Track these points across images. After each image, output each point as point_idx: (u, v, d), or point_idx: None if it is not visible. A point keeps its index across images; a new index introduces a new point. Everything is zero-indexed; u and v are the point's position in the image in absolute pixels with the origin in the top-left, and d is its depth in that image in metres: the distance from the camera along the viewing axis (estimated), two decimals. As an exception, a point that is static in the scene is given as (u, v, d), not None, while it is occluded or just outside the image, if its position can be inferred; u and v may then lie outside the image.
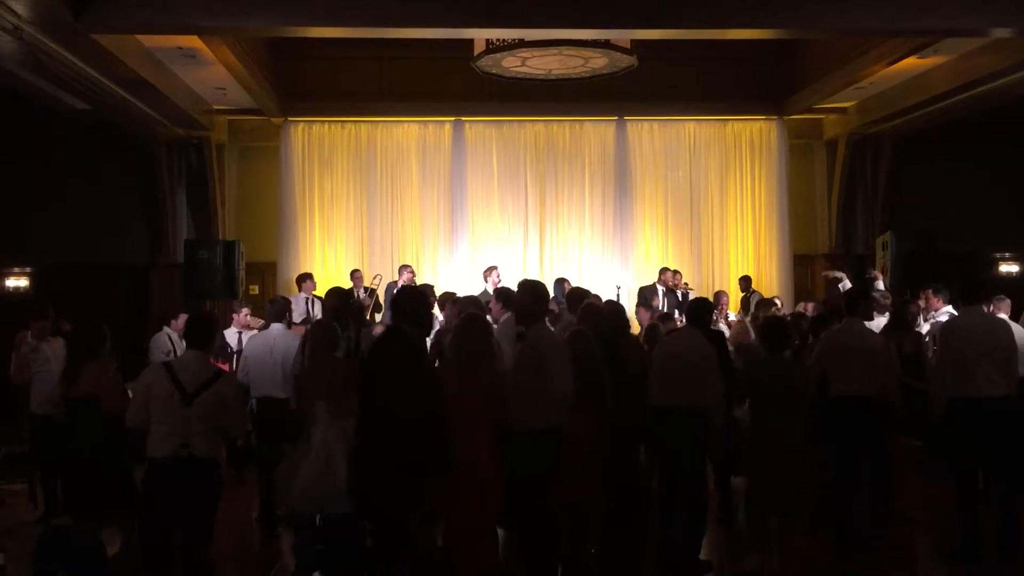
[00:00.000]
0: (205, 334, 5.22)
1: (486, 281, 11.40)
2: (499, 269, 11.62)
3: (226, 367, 8.50)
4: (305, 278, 11.56)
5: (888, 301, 8.99)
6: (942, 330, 6.42)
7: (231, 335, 9.36)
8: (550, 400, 5.24)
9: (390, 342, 4.88)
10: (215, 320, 5.50)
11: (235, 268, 11.16)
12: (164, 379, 4.97)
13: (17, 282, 13.08)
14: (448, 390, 5.00)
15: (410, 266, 11.76)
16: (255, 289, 13.27)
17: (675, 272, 12.51)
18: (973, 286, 6.32)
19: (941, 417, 6.05)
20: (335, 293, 6.82)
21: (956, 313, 8.52)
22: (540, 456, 5.16)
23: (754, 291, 12.47)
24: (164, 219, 13.25)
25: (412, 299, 5.34)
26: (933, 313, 9.00)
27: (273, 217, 13.49)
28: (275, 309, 7.63)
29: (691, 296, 11.49)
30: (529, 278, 6.17)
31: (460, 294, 9.32)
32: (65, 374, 6.37)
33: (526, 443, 5.15)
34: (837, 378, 6.25)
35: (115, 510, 5.54)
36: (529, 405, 5.19)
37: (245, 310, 9.66)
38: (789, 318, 8.51)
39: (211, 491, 5.03)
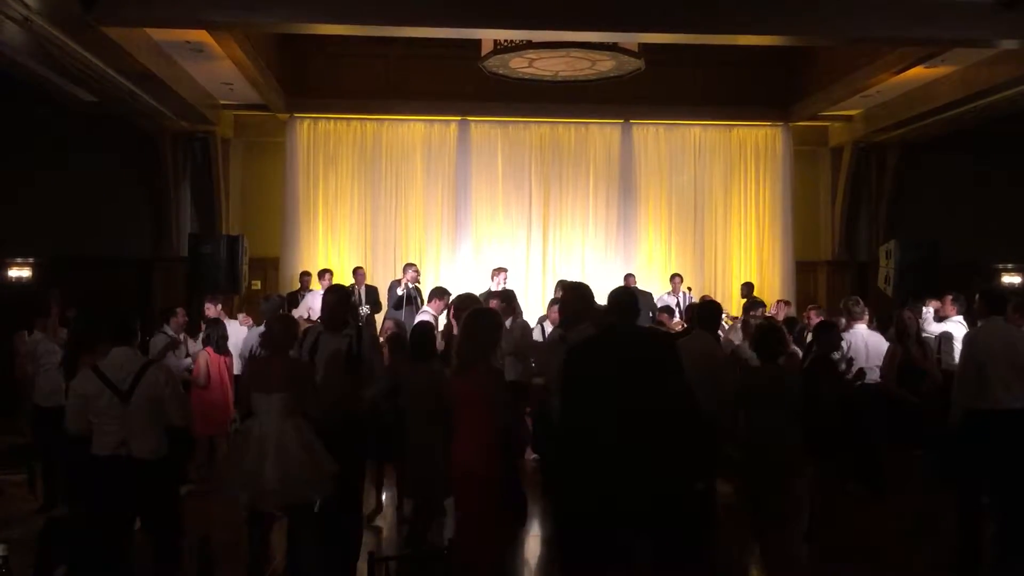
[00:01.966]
0: (127, 329, 5.19)
1: (492, 280, 11.43)
2: (507, 272, 11.63)
3: (227, 360, 8.53)
4: (324, 273, 11.63)
5: (860, 308, 8.99)
6: (965, 340, 6.36)
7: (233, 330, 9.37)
8: None
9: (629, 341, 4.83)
10: (135, 314, 5.45)
11: (238, 263, 11.15)
12: (93, 380, 4.98)
13: (20, 273, 13.10)
14: (452, 388, 5.04)
15: (415, 265, 11.78)
16: (258, 284, 13.26)
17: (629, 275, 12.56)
18: (994, 297, 6.28)
19: (956, 426, 6.00)
20: (333, 291, 6.76)
21: (964, 323, 8.62)
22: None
23: (755, 297, 12.46)
24: (168, 213, 13.25)
25: (629, 299, 5.22)
26: (927, 321, 9.13)
27: (277, 213, 13.51)
28: (271, 306, 7.66)
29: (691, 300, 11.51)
30: (570, 280, 6.09)
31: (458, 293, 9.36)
32: (64, 366, 6.32)
33: None
34: (995, 389, 5.89)
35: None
36: None
37: (209, 304, 9.47)
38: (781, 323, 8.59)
39: (157, 492, 4.97)
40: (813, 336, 7.24)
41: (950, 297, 9.04)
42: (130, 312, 5.54)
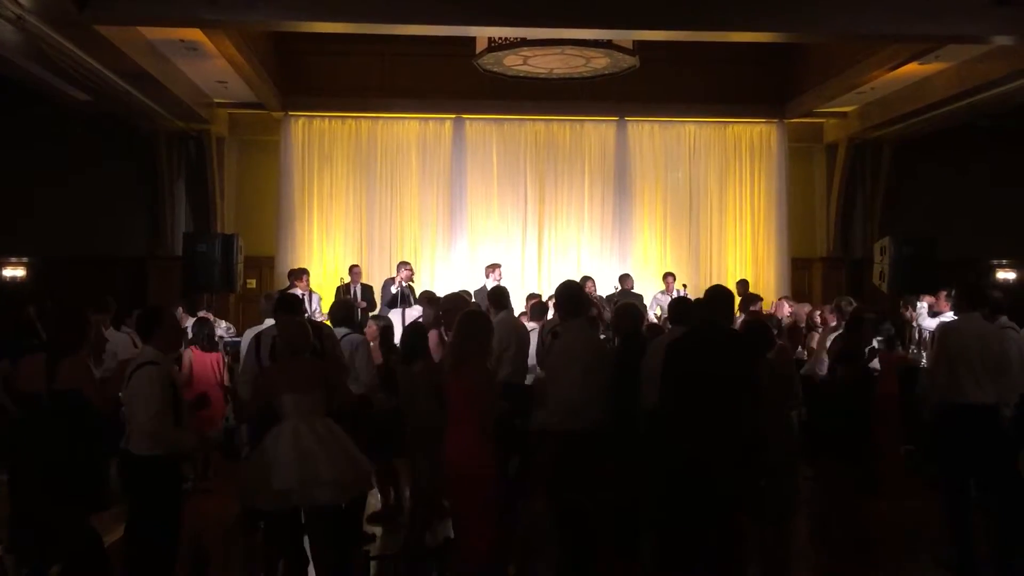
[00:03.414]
0: (145, 324, 5.10)
1: (487, 278, 11.43)
2: (502, 268, 11.64)
3: (216, 357, 8.50)
4: (301, 273, 11.57)
5: (851, 308, 9.04)
6: (939, 333, 6.41)
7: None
8: (582, 400, 5.25)
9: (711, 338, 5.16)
10: (159, 313, 5.29)
11: (233, 262, 11.13)
12: (127, 372, 4.97)
13: (14, 272, 13.09)
14: (445, 385, 5.07)
15: (408, 263, 11.75)
16: (253, 283, 13.27)
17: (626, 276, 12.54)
18: (972, 292, 6.31)
19: (930, 420, 6.04)
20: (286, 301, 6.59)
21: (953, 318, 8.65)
22: (575, 457, 5.17)
23: (752, 293, 12.44)
24: (163, 211, 13.25)
25: (724, 297, 5.43)
26: (921, 316, 9.19)
27: (272, 211, 13.50)
28: (272, 304, 7.61)
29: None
30: (569, 279, 6.14)
31: (456, 291, 9.34)
32: (46, 367, 6.09)
33: (563, 444, 5.20)
34: (965, 383, 5.90)
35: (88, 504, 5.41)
36: (562, 406, 5.23)
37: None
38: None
39: (147, 490, 4.85)
40: (846, 335, 7.23)
41: (944, 293, 9.08)
42: (152, 308, 5.45)
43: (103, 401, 5.44)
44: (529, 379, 7.33)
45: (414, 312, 9.62)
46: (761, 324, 6.46)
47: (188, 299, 10.13)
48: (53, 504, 5.18)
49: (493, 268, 11.53)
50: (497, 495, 5.09)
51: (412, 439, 6.14)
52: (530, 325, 8.28)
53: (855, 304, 9.15)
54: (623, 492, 5.74)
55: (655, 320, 10.90)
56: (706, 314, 5.43)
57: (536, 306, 8.76)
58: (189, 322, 9.01)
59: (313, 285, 11.68)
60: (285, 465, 4.97)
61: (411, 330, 6.74)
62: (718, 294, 5.44)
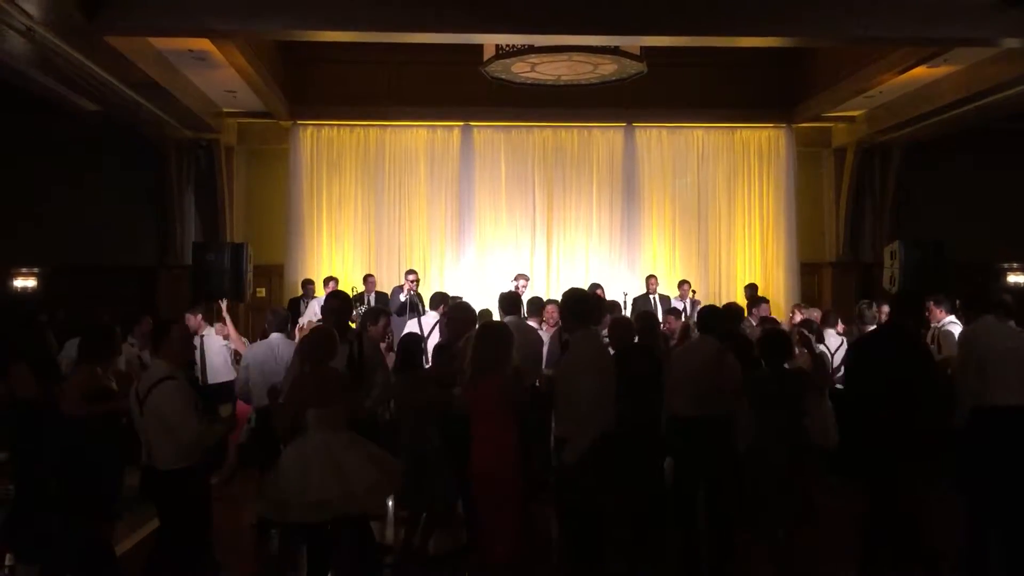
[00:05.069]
0: (155, 342, 5.17)
1: (514, 281, 11.38)
2: (527, 281, 11.55)
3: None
4: (328, 280, 11.66)
5: (871, 312, 8.93)
6: (962, 339, 6.34)
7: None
8: (593, 409, 5.22)
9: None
10: (166, 327, 5.28)
11: (243, 271, 11.14)
12: (134, 389, 5.00)
13: (25, 282, 13.14)
14: (467, 395, 5.15)
15: (415, 271, 11.72)
16: (262, 292, 13.30)
17: (651, 277, 12.63)
18: (978, 297, 6.29)
19: (961, 426, 5.98)
20: (337, 296, 6.71)
21: (957, 322, 8.57)
22: (589, 463, 5.16)
23: (760, 297, 12.43)
24: (172, 221, 13.28)
25: (916, 298, 5.87)
26: (935, 325, 9.08)
27: (281, 220, 13.53)
28: (278, 319, 7.67)
29: (698, 305, 11.47)
30: (573, 287, 6.08)
31: (464, 298, 9.32)
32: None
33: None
34: (995, 387, 5.89)
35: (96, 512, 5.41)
36: (576, 417, 5.22)
37: (188, 316, 9.10)
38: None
39: (175, 503, 4.88)
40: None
41: (931, 302, 8.89)
42: (161, 323, 5.47)
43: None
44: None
45: (426, 320, 9.62)
46: (778, 333, 6.43)
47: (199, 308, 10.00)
48: (61, 514, 5.19)
49: (519, 278, 11.45)
50: (523, 499, 5.13)
51: (407, 451, 6.14)
52: (530, 323, 8.26)
53: (873, 308, 9.06)
54: (636, 495, 5.76)
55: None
56: (897, 318, 5.82)
57: (532, 302, 8.76)
58: (206, 330, 9.00)
59: (320, 294, 11.71)
60: (320, 478, 4.93)
61: (407, 340, 6.75)
62: (908, 297, 5.73)
